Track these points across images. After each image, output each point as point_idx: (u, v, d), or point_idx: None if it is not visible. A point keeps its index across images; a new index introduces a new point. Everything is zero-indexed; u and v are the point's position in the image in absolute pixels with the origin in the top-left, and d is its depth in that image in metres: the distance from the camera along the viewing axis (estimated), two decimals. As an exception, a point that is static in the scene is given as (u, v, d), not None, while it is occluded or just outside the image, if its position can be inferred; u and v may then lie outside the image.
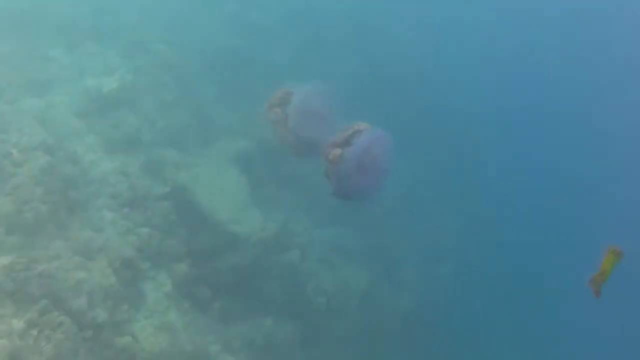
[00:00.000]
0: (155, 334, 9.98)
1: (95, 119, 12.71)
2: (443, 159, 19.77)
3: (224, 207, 12.40)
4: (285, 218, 13.78)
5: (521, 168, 23.14)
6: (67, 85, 13.12)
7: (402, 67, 21.64)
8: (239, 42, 19.11)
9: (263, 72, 17.68)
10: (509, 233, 20.26)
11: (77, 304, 9.02)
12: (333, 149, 4.74)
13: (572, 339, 20.47)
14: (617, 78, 31.92)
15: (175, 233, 11.63)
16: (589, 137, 28.63)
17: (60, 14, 16.08)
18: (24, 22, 15.01)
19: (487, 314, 18.06)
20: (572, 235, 22.73)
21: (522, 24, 31.13)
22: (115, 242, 10.51)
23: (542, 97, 28.29)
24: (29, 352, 7.94)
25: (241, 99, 16.38)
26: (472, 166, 20.63)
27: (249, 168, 14.01)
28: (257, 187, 14.03)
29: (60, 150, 10.93)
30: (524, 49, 29.77)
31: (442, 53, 24.36)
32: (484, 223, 19.65)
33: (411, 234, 17.40)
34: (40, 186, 9.89)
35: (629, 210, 25.04)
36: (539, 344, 19.41)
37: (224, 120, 15.77)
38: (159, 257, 11.07)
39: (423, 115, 20.33)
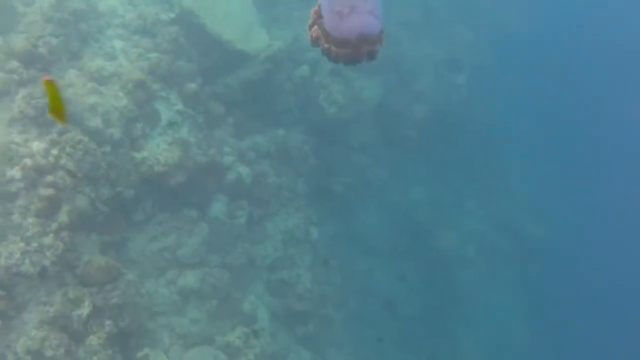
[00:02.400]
0: (169, 149, 11.13)
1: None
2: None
3: (230, 28, 12.95)
4: (295, 35, 14.18)
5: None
6: None
7: None
8: None
9: None
10: (526, 43, 20.07)
11: (93, 124, 10.20)
12: (311, 30, 4.81)
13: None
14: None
15: (185, 55, 12.38)
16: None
17: None
18: None
19: (502, 121, 18.50)
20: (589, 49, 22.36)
21: None
22: (126, 67, 11.45)
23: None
24: (53, 168, 9.24)
25: None
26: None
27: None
28: (265, 7, 14.40)
29: (67, -14, 11.54)
30: None
31: None
32: (499, 33, 19.48)
33: (426, 45, 17.49)
34: (50, 22, 10.69)
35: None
36: (550, 148, 19.86)
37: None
38: (170, 78, 11.97)
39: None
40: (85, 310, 8.73)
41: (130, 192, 10.43)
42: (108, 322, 8.96)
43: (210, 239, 11.62)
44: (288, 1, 15.20)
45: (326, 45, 4.57)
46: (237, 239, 12.15)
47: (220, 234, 11.86)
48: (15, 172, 8.96)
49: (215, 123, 12.57)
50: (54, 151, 9.36)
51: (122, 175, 10.31)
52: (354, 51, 4.58)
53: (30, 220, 8.88)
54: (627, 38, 26.04)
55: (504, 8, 20.32)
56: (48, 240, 8.85)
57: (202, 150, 11.76)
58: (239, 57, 13.04)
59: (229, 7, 13.20)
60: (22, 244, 8.59)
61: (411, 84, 16.61)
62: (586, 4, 24.92)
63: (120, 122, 10.58)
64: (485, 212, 17.37)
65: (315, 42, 4.73)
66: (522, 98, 19.67)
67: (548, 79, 20.76)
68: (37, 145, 9.30)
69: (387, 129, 15.61)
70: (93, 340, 8.65)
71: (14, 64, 9.91)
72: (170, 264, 11.09)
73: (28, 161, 9.10)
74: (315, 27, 4.67)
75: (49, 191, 9.10)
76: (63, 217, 9.17)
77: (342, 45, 4.48)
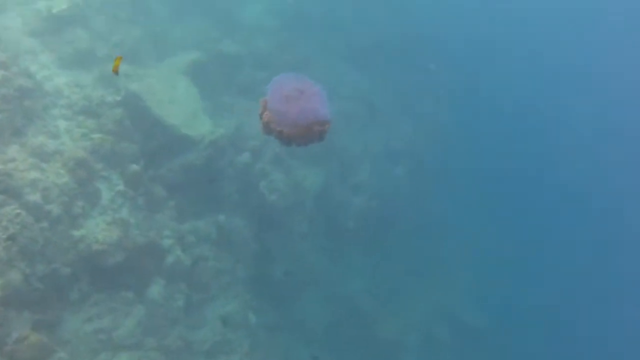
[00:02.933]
0: (108, 228, 11.01)
1: (49, 38, 13.40)
2: (397, 69, 20.38)
3: (175, 113, 13.24)
4: (238, 123, 14.59)
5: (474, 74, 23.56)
6: (19, 7, 13.64)
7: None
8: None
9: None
10: (462, 137, 21.12)
11: (32, 199, 10.04)
12: (262, 117, 5.13)
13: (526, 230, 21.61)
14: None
15: (129, 137, 12.49)
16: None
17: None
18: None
19: (440, 212, 19.08)
20: (520, 140, 23.65)
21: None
22: (69, 146, 11.45)
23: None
24: (-13, 240, 9.02)
25: (196, 16, 17.01)
26: (424, 73, 21.12)
27: (201, 79, 14.72)
28: (210, 96, 14.83)
29: (14, 66, 11.66)
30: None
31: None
32: (437, 127, 20.47)
33: (365, 137, 18.17)
34: (-6, 97, 10.73)
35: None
36: (487, 235, 20.44)
37: (178, 35, 16.41)
38: (112, 159, 11.99)
39: (378, 34, 20.99)
40: (12, 388, 8.31)
41: (66, 270, 10.18)
42: (36, 402, 8.53)
43: (146, 321, 11.32)
44: (232, 93, 15.66)
45: (278, 129, 4.86)
46: (174, 322, 11.88)
47: (157, 316, 11.59)
48: (-53, 243, 8.70)
49: (156, 205, 12.53)
50: (-10, 224, 9.17)
51: (59, 253, 10.12)
52: (305, 132, 4.87)
53: (-40, 293, 8.56)
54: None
55: (443, 104, 21.38)
56: (-23, 314, 8.52)
57: (142, 232, 11.66)
58: (183, 141, 13.24)
59: (174, 94, 13.56)
60: (-51, 317, 8.24)
61: (351, 174, 17.07)
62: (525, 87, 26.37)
63: (60, 199, 10.46)
64: (426, 302, 17.53)
65: (266, 127, 5.02)
66: (461, 190, 20.34)
67: (486, 171, 21.56)
68: (-28, 217, 9.10)
69: (327, 217, 15.86)
70: (19, 420, 8.20)
71: (-47, 136, 9.84)
72: (104, 345, 10.68)
73: (-38, 233, 8.88)
74: (267, 112, 4.99)
75: (-18, 263, 8.84)
76: (-5, 291, 8.87)
77: (294, 127, 4.76)
